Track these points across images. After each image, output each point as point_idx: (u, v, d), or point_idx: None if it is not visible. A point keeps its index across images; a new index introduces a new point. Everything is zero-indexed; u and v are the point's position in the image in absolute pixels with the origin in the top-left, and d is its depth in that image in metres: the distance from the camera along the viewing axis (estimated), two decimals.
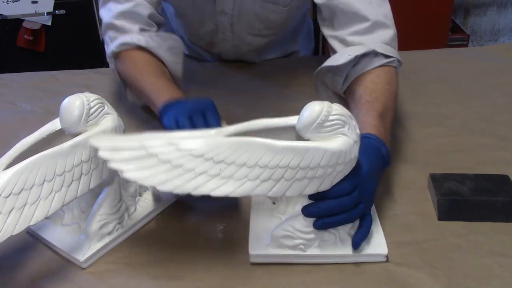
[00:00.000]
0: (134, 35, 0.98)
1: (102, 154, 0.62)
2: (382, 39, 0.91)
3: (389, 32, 0.92)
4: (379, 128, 0.78)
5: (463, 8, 2.88)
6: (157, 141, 0.61)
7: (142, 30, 1.00)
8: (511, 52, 1.34)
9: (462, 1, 2.86)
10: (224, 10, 1.12)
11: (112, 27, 1.00)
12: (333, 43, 0.95)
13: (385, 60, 0.90)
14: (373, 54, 0.90)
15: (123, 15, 0.99)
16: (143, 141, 0.61)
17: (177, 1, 1.13)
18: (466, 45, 2.54)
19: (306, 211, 0.67)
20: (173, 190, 0.60)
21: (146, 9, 1.00)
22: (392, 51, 0.91)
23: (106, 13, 1.01)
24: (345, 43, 0.93)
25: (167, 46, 1.00)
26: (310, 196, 0.67)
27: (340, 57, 0.91)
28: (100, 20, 2.33)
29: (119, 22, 0.99)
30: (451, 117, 1.04)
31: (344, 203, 0.66)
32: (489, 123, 1.02)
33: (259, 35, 1.18)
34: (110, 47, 1.00)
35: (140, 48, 0.97)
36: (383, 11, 0.92)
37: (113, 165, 0.60)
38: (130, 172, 0.60)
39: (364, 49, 0.89)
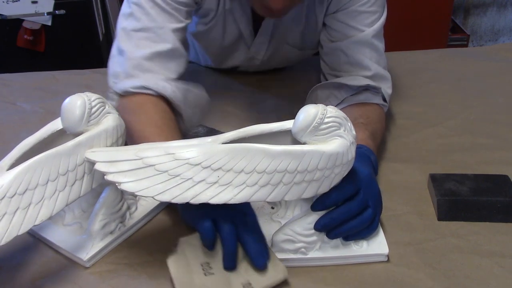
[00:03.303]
0: (160, 81, 0.85)
1: (99, 167, 0.62)
2: (383, 88, 0.94)
3: (388, 85, 0.95)
4: (367, 140, 0.81)
5: (463, 8, 2.88)
6: (154, 151, 0.61)
7: (168, 78, 0.87)
8: (511, 52, 1.34)
9: (462, 1, 2.86)
10: (254, 56, 1.13)
11: (137, 66, 0.85)
12: (331, 78, 0.97)
13: (381, 102, 0.93)
14: (376, 91, 0.93)
15: (157, 56, 0.86)
16: (139, 152, 0.61)
17: (208, 45, 1.11)
18: (466, 45, 2.54)
19: (320, 226, 0.67)
20: (171, 200, 0.60)
21: (181, 55, 0.89)
22: (388, 98, 0.94)
23: (134, 49, 0.86)
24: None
25: (193, 103, 0.89)
26: (314, 209, 0.67)
27: (354, 79, 0.92)
28: (100, 20, 2.35)
29: (148, 64, 0.85)
30: (451, 117, 1.05)
31: (351, 208, 0.67)
32: (489, 123, 1.02)
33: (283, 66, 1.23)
34: (124, 83, 0.85)
35: (159, 96, 0.85)
36: (383, 65, 0.95)
37: (110, 177, 0.60)
38: (127, 183, 0.60)
39: (374, 83, 0.92)
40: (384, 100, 0.93)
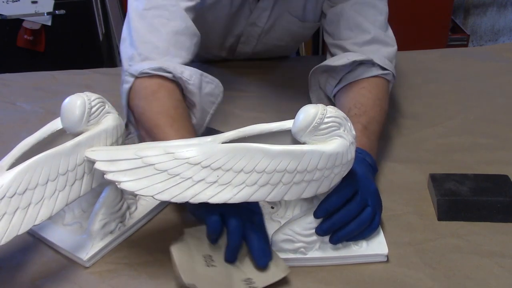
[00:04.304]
0: (178, 65, 0.84)
1: (99, 166, 0.62)
2: (382, 52, 0.93)
3: (389, 49, 0.94)
4: (361, 138, 0.80)
5: (463, 8, 2.88)
6: (153, 150, 0.61)
7: (185, 62, 0.87)
8: (511, 52, 1.34)
9: (462, 1, 2.86)
10: (256, 23, 1.12)
11: (154, 49, 0.84)
12: (334, 50, 0.97)
13: (380, 72, 0.92)
14: (371, 63, 0.91)
15: (172, 35, 0.85)
16: (139, 151, 0.62)
17: (216, 17, 1.09)
18: (466, 45, 2.54)
19: (321, 231, 0.67)
20: (170, 199, 0.60)
21: (194, 34, 0.89)
22: (389, 65, 0.93)
23: (149, 31, 0.85)
24: (345, 51, 0.95)
25: (208, 91, 0.88)
26: (317, 216, 0.67)
27: (339, 59, 0.92)
28: (100, 20, 2.35)
29: (164, 46, 0.85)
30: (451, 117, 1.05)
31: (351, 209, 0.67)
32: (489, 123, 1.02)
33: (283, 46, 1.21)
34: (141, 65, 0.83)
35: (173, 82, 0.84)
36: (385, 31, 0.95)
37: (110, 176, 0.61)
38: (127, 183, 0.60)
39: (362, 56, 0.91)
40: (384, 68, 0.92)
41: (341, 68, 0.93)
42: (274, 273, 0.64)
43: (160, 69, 0.82)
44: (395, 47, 0.95)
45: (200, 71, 0.87)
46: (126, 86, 0.84)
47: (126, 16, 0.89)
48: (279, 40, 1.18)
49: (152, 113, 0.79)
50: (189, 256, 0.64)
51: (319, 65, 0.97)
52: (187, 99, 0.86)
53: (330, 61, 0.94)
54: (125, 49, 0.87)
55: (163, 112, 0.79)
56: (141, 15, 0.86)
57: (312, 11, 1.09)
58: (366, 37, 0.92)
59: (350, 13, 0.93)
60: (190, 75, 0.84)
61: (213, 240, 0.65)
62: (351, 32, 0.93)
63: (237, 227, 0.63)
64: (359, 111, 0.85)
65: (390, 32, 0.96)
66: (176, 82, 0.84)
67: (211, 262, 0.64)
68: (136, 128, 0.86)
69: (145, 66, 0.83)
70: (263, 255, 0.64)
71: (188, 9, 0.88)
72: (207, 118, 0.90)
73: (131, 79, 0.84)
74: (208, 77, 0.88)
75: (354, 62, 0.91)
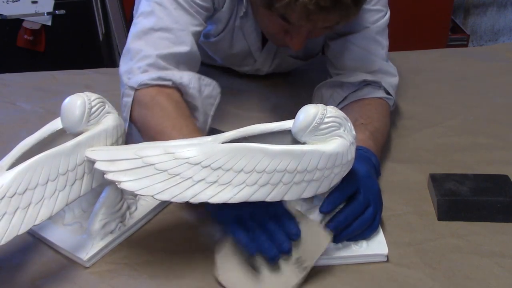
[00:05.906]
0: (175, 72, 0.85)
1: (99, 165, 0.62)
2: (387, 80, 0.94)
3: (393, 79, 0.95)
4: (367, 141, 0.81)
5: (463, 8, 2.88)
6: (154, 150, 0.61)
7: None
8: (511, 52, 1.34)
9: (462, 1, 2.85)
10: (260, 69, 1.14)
11: (153, 64, 0.84)
12: (336, 78, 0.97)
13: (385, 95, 0.93)
14: (378, 86, 0.93)
15: (174, 57, 0.86)
16: (139, 151, 0.62)
17: (215, 52, 1.11)
18: (466, 45, 2.53)
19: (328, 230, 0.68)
20: (171, 199, 0.60)
21: (196, 60, 0.90)
22: (392, 92, 0.94)
23: (151, 48, 0.85)
24: None
25: (207, 93, 0.89)
26: (322, 209, 0.67)
27: (349, 76, 0.93)
28: (100, 20, 2.35)
29: (164, 64, 0.85)
30: (451, 117, 1.05)
31: (355, 208, 0.68)
32: (489, 123, 1.02)
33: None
34: (140, 77, 0.83)
35: (174, 88, 0.84)
36: (388, 64, 0.96)
37: (110, 176, 0.61)
38: (127, 182, 0.60)
39: (372, 77, 0.92)
40: (388, 93, 0.94)
41: (348, 86, 0.94)
42: (320, 244, 0.65)
43: (159, 78, 0.83)
44: (397, 77, 0.97)
45: (197, 75, 0.88)
46: (128, 100, 0.84)
47: (130, 32, 0.89)
48: (284, 71, 1.21)
49: (154, 119, 0.80)
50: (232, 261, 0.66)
51: (327, 80, 0.97)
52: (189, 104, 0.87)
53: (340, 78, 0.95)
54: (125, 63, 0.87)
55: (164, 116, 0.80)
56: (147, 33, 0.86)
57: (312, 48, 1.10)
58: (371, 68, 0.93)
59: (353, 47, 0.93)
60: (189, 79, 0.85)
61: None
62: (356, 63, 0.94)
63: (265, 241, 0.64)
64: (365, 121, 0.86)
65: (391, 63, 0.97)
66: (175, 88, 0.85)
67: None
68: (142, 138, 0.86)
69: (144, 78, 0.83)
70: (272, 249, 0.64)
71: (195, 33, 0.89)
72: (208, 120, 0.91)
73: (131, 93, 0.84)
74: (206, 79, 0.89)
75: (364, 81, 0.92)
